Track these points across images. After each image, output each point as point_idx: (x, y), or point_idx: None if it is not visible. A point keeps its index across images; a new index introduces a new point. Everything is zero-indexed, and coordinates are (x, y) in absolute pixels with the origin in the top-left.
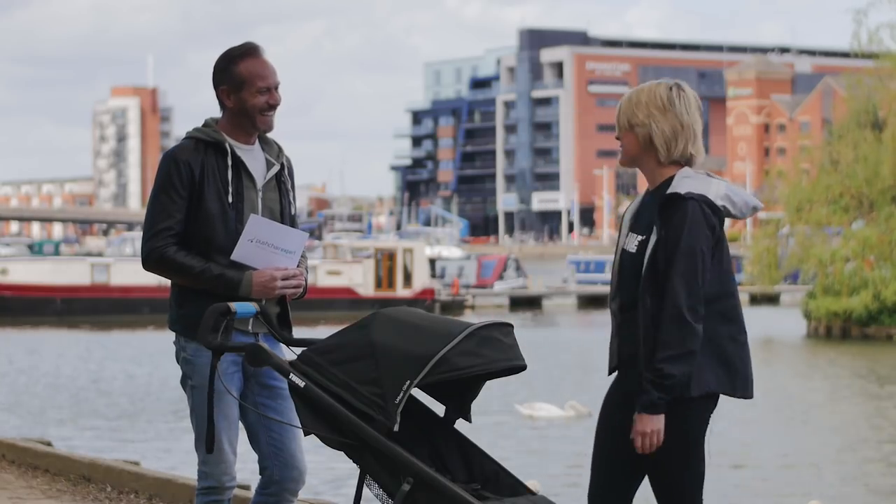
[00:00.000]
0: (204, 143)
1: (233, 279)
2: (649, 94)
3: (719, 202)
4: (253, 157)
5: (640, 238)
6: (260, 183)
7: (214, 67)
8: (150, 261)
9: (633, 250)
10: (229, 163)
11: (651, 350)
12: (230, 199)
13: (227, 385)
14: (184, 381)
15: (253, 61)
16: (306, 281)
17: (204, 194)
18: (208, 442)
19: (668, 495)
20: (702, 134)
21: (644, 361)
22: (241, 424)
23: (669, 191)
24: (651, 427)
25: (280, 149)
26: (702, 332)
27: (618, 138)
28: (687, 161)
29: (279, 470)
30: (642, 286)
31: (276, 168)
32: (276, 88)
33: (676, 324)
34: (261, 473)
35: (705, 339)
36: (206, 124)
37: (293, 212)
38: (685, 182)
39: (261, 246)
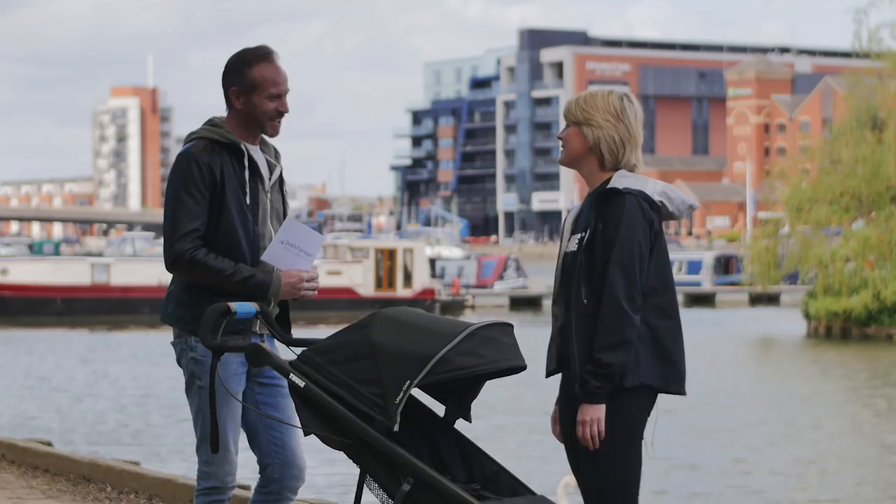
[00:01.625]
0: (219, 145)
1: (263, 281)
2: (603, 100)
3: (656, 197)
4: (259, 159)
5: (579, 236)
6: (268, 184)
7: (227, 66)
8: (179, 264)
9: (574, 249)
10: (246, 164)
11: (584, 341)
12: (248, 201)
13: (235, 386)
14: (190, 382)
15: (267, 66)
16: None
17: (225, 197)
18: (213, 442)
19: (599, 488)
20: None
21: (578, 352)
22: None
23: (608, 186)
24: (591, 416)
25: (277, 152)
26: (639, 323)
27: (560, 137)
28: (630, 170)
29: (279, 468)
30: (576, 278)
31: (278, 170)
32: (286, 95)
33: (614, 313)
34: (261, 472)
35: (643, 332)
36: (214, 124)
37: (288, 212)
38: (623, 180)
39: (289, 248)
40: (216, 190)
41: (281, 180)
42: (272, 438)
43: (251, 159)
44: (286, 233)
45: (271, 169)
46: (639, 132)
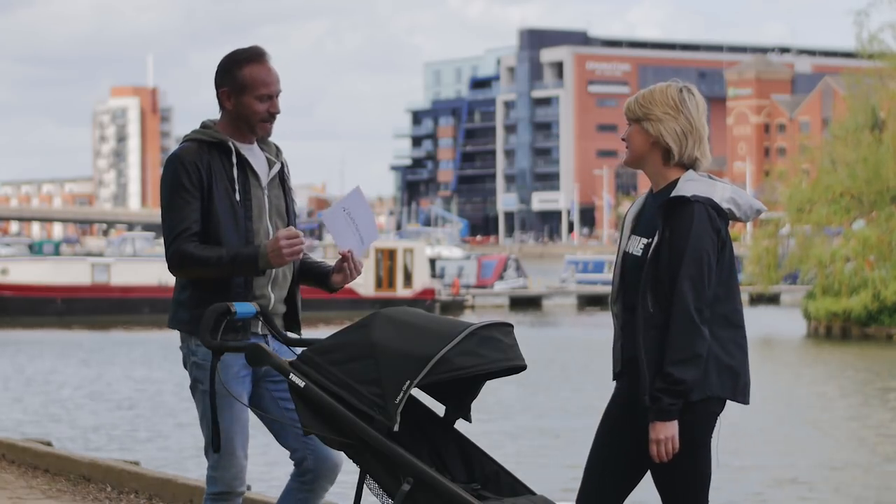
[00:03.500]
0: (207, 144)
1: (250, 254)
2: (662, 93)
3: (724, 205)
4: (254, 156)
5: (644, 241)
6: (264, 181)
7: (218, 68)
8: (174, 263)
9: (639, 253)
10: (234, 161)
11: (652, 352)
12: (238, 197)
13: (238, 388)
14: (194, 386)
15: (258, 67)
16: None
17: (213, 194)
18: (214, 443)
19: (672, 498)
20: (707, 135)
21: (647, 364)
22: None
23: (674, 193)
24: (665, 434)
25: (278, 149)
26: (708, 336)
27: (624, 139)
28: (692, 164)
29: (314, 460)
30: (643, 287)
31: (277, 166)
32: (277, 97)
33: (686, 327)
34: (296, 466)
35: (710, 342)
36: (204, 126)
37: (296, 210)
38: (690, 185)
39: (348, 220)
40: (204, 188)
41: (282, 176)
42: (299, 433)
43: (240, 155)
44: (351, 202)
45: (270, 166)
46: (701, 125)
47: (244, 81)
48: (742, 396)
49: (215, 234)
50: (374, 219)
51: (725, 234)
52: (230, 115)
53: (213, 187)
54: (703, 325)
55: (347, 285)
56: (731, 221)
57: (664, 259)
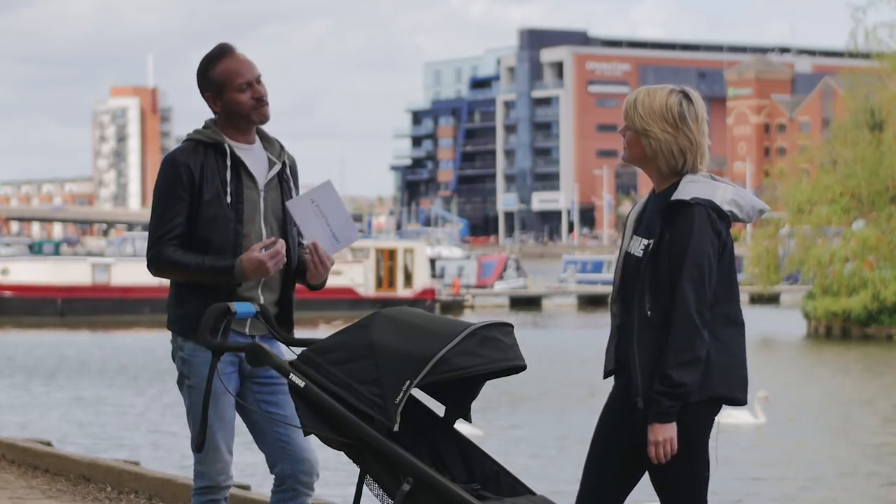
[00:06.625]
0: (203, 145)
1: (226, 266)
2: (662, 106)
3: (726, 207)
4: (254, 157)
5: (645, 242)
6: (261, 183)
7: (196, 77)
8: (153, 265)
9: (639, 254)
10: (228, 163)
11: (646, 354)
12: (229, 200)
13: (226, 385)
14: (180, 381)
15: (227, 60)
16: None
17: (203, 196)
18: (199, 441)
19: (670, 499)
20: (708, 137)
21: (639, 366)
22: (236, 425)
23: (675, 196)
24: (664, 436)
25: (282, 147)
26: (708, 338)
27: (622, 133)
28: (693, 173)
29: (290, 464)
30: (640, 288)
31: (277, 167)
32: (258, 81)
33: (687, 330)
34: (272, 472)
35: (712, 344)
36: (205, 126)
37: None
38: (691, 187)
39: (317, 213)
40: (194, 189)
41: (282, 177)
42: (279, 436)
43: (234, 157)
44: (320, 194)
45: (271, 166)
46: (702, 135)
47: (219, 79)
48: (741, 394)
49: (202, 236)
50: (349, 217)
51: (727, 236)
52: (223, 116)
53: (204, 189)
54: (703, 327)
55: (348, 285)
56: (733, 223)
57: (663, 262)
